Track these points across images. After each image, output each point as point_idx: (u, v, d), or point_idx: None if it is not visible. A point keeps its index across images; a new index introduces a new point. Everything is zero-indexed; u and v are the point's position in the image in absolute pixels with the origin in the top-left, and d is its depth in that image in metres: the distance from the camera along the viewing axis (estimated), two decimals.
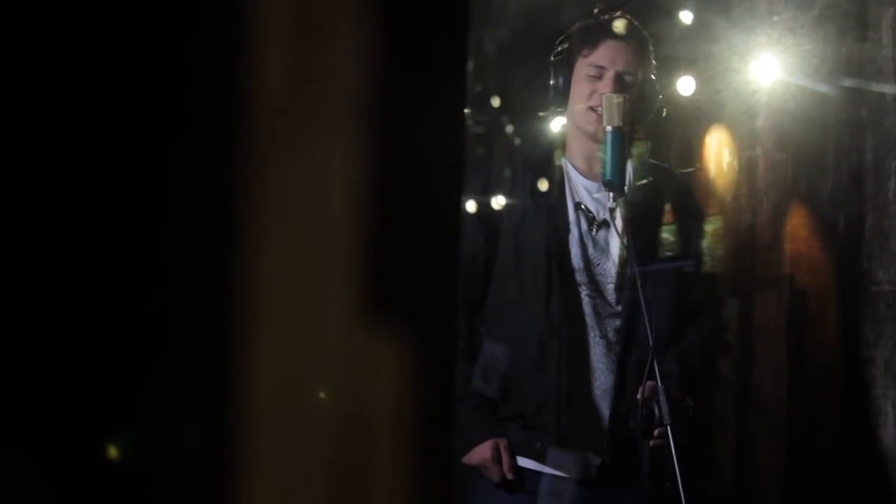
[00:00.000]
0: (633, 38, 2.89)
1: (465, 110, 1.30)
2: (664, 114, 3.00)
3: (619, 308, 2.83)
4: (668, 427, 2.58)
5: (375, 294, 1.23)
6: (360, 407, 1.17)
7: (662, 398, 2.60)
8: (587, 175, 2.88)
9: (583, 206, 2.87)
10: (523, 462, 2.84)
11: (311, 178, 1.16)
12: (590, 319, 2.83)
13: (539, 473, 2.83)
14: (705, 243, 3.04)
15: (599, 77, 2.85)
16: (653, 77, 2.92)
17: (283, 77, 1.15)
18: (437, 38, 1.25)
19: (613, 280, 2.84)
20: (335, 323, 1.18)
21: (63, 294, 1.10)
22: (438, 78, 1.25)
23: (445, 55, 1.25)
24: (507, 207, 2.91)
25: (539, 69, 2.98)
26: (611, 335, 2.83)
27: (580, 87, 2.88)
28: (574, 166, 2.90)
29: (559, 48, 2.93)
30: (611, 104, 2.77)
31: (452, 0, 1.21)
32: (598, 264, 2.85)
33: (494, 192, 2.95)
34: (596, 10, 2.94)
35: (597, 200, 2.86)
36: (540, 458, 2.82)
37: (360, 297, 1.18)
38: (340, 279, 1.18)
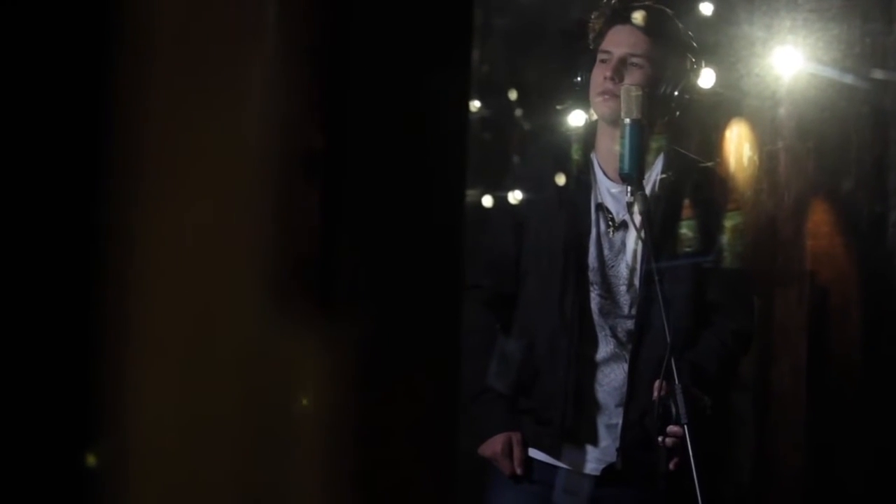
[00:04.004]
0: (646, 21, 2.82)
1: (473, 100, 1.25)
2: (687, 104, 2.90)
3: (630, 310, 2.80)
4: (686, 426, 2.55)
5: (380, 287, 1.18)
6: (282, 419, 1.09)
7: (680, 397, 2.58)
8: (611, 175, 2.83)
9: (604, 207, 2.83)
10: (537, 454, 2.84)
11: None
12: (598, 318, 2.81)
13: (553, 467, 2.83)
14: (726, 239, 2.96)
15: (607, 63, 2.80)
16: (684, 64, 2.83)
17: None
18: (441, 21, 1.19)
19: (626, 282, 2.81)
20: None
21: None
22: (442, 63, 1.19)
23: (450, 39, 1.19)
24: (531, 201, 2.89)
25: (564, 60, 2.95)
26: (621, 334, 2.81)
27: (594, 75, 2.85)
28: (600, 164, 2.86)
29: (584, 39, 2.89)
30: (629, 96, 2.72)
31: None
32: (612, 266, 2.82)
33: (521, 186, 2.94)
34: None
35: (617, 200, 2.81)
36: (550, 452, 2.82)
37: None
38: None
